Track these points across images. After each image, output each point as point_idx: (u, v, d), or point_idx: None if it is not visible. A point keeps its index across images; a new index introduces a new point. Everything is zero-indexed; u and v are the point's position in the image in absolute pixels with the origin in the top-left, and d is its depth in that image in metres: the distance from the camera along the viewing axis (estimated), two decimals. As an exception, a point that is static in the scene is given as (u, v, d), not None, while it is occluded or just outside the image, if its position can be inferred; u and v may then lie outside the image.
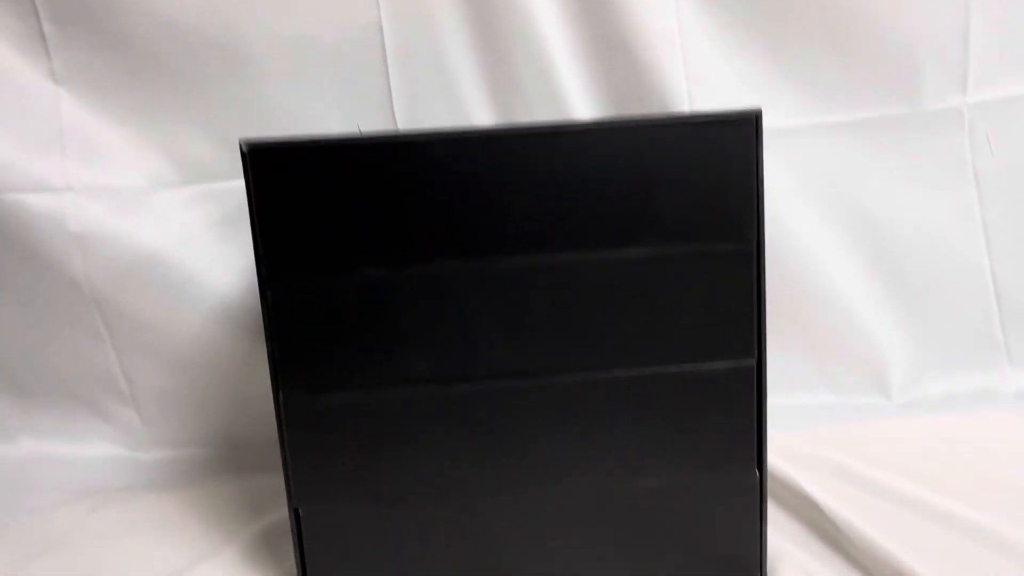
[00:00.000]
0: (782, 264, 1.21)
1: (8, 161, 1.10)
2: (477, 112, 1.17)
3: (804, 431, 1.17)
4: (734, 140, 0.74)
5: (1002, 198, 1.24)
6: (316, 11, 1.13)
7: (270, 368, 0.79)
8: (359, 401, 0.79)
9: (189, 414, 1.25)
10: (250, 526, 1.03)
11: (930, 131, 1.22)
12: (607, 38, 1.15)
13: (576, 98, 1.16)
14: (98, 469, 1.22)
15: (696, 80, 1.17)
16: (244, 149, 0.74)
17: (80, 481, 1.19)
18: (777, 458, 1.03)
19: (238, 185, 1.16)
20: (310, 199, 0.74)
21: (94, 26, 1.11)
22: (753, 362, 0.79)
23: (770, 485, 0.83)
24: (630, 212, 0.75)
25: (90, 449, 1.24)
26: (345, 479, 0.81)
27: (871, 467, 1.04)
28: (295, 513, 0.82)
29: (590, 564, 0.84)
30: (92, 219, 1.13)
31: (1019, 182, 1.24)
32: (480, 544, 0.83)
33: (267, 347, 0.78)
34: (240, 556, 0.97)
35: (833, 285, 1.25)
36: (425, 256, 0.76)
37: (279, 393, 0.79)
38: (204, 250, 1.19)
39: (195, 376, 1.23)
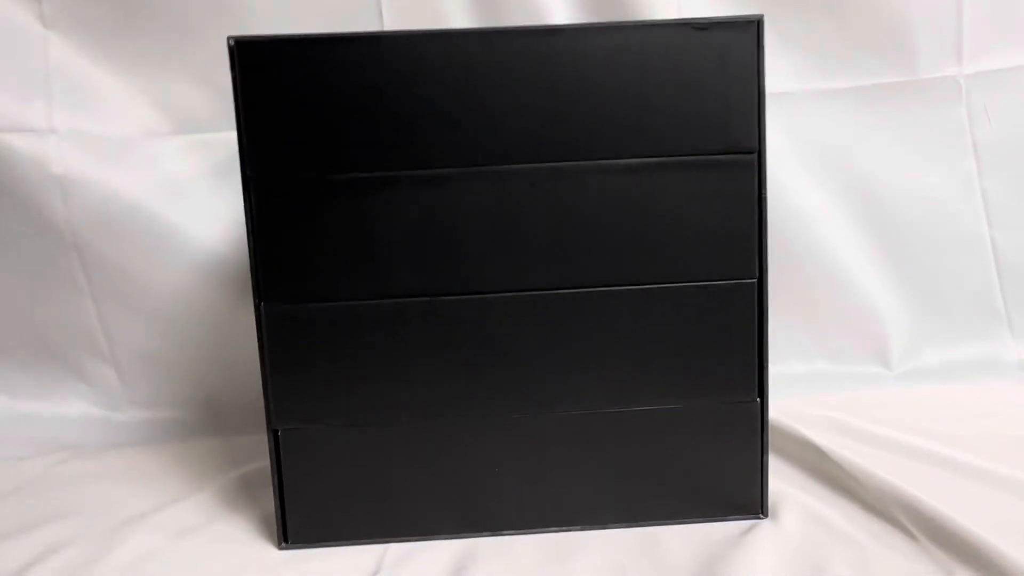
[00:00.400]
0: (780, 230, 1.19)
1: (-11, 99, 1.08)
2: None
3: (803, 397, 1.14)
4: (736, 46, 0.73)
5: (1001, 168, 1.23)
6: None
7: (252, 277, 0.75)
8: (343, 314, 0.76)
9: (169, 373, 1.21)
10: (227, 475, 0.99)
11: (927, 101, 1.21)
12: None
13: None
14: (73, 428, 1.17)
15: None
16: (231, 44, 0.71)
17: (53, 439, 1.14)
18: (776, 414, 0.99)
19: (230, 137, 1.16)
20: (298, 98, 0.72)
21: (86, -30, 1.10)
22: (754, 281, 0.77)
23: (769, 436, 0.80)
24: (628, 119, 0.73)
25: (66, 408, 1.20)
26: (326, 400, 0.77)
27: (872, 424, 1.01)
28: (274, 435, 0.78)
29: (580, 498, 0.80)
30: (76, 163, 1.11)
31: (1017, 152, 1.23)
32: (464, 472, 0.79)
33: (249, 254, 0.75)
34: (214, 499, 0.92)
35: (832, 252, 1.23)
36: (415, 162, 0.73)
37: (260, 304, 0.75)
38: (192, 202, 1.17)
39: (177, 333, 1.19)
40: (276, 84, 0.72)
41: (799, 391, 1.17)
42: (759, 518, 0.80)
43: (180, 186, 1.16)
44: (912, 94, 1.21)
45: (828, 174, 1.23)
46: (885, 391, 1.18)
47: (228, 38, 0.72)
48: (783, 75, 1.20)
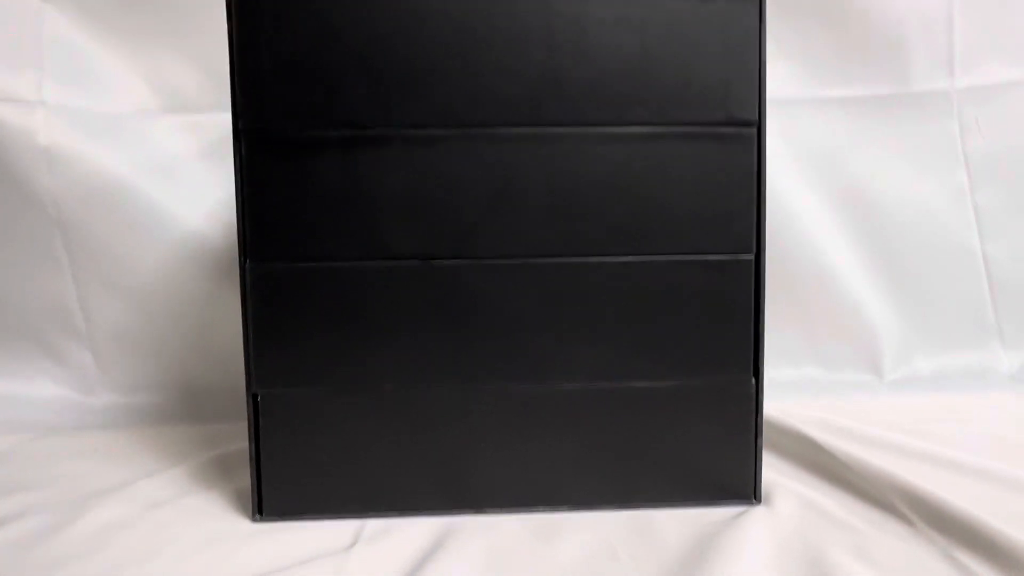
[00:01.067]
0: (775, 236, 1.19)
1: (-22, 68, 1.06)
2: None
3: (795, 402, 1.12)
4: (738, 19, 0.72)
5: (992, 181, 1.24)
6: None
7: (238, 234, 0.73)
8: (331, 274, 0.73)
9: (147, 357, 1.17)
10: (203, 454, 0.95)
11: (920, 113, 1.23)
12: None
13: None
14: (46, 411, 1.13)
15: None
16: (230, -7, 0.70)
17: (23, 421, 1.10)
18: (769, 410, 0.98)
19: (222, 118, 1.15)
20: (294, 51, 0.71)
21: (87, -54, 1.09)
22: (752, 257, 0.76)
23: (763, 430, 0.78)
24: (628, 86, 0.73)
25: (38, 390, 1.16)
26: (309, 364, 0.75)
27: (864, 425, 0.99)
28: (253, 399, 0.75)
29: (570, 477, 0.77)
30: (63, 136, 1.09)
31: (1008, 166, 1.24)
32: (448, 445, 0.76)
33: (236, 210, 0.73)
34: (187, 476, 0.89)
35: (825, 259, 1.23)
36: (411, 121, 0.72)
37: (246, 261, 0.73)
38: (179, 182, 1.15)
39: (157, 315, 1.16)
40: (272, 36, 0.71)
41: (791, 396, 1.15)
42: (752, 504, 0.78)
43: (168, 165, 1.15)
44: (905, 106, 1.22)
45: (822, 181, 1.24)
46: (877, 398, 1.17)
47: (226, -13, 0.71)
48: (779, 81, 1.21)
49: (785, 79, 1.22)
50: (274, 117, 0.72)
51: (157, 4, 1.12)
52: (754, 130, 0.74)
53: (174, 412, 1.15)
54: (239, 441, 0.97)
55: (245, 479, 0.82)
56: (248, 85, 0.71)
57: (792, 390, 1.18)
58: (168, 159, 1.15)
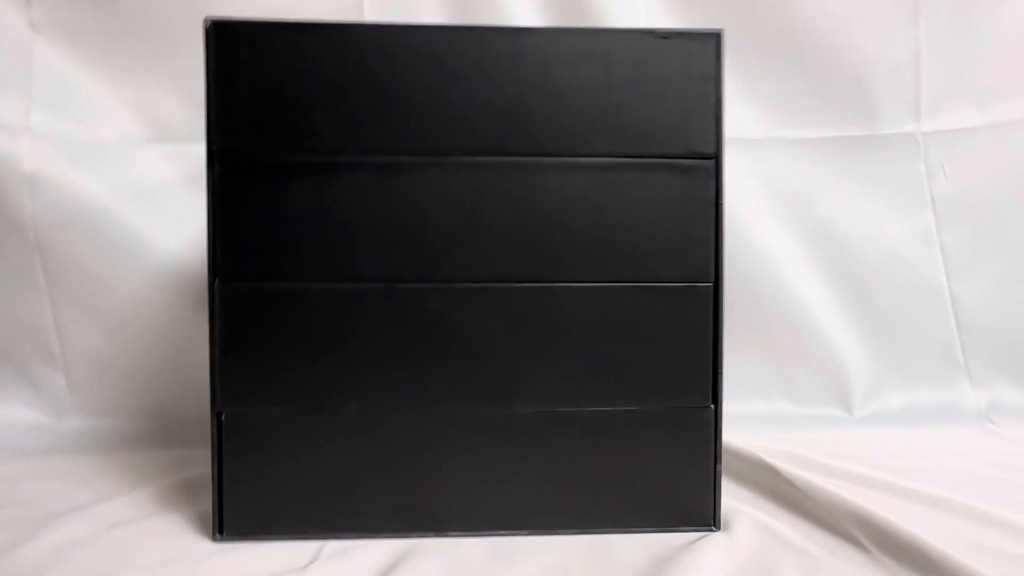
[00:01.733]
0: (746, 272, 1.22)
1: (-34, 94, 1.09)
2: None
3: (765, 434, 1.13)
4: (696, 56, 0.75)
5: (958, 222, 1.27)
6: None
7: (208, 254, 0.75)
8: (298, 295, 0.75)
9: (120, 382, 1.18)
10: (168, 478, 0.95)
11: (888, 155, 1.26)
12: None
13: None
14: (15, 434, 1.13)
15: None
16: (208, 24, 0.73)
17: (-8, 443, 1.10)
18: (733, 439, 0.99)
19: (204, 147, 1.17)
20: (268, 79, 0.73)
21: (78, -22, 1.13)
22: (710, 285, 0.77)
23: (724, 459, 0.79)
24: (590, 119, 0.75)
25: (8, 413, 1.16)
26: (274, 384, 0.76)
27: (830, 458, 1.00)
28: (218, 418, 0.76)
29: (530, 501, 0.78)
30: (47, 163, 1.11)
31: (974, 208, 1.27)
32: (410, 468, 0.77)
33: (208, 231, 0.75)
34: (150, 498, 0.89)
35: (795, 296, 1.25)
36: (380, 148, 0.74)
37: (215, 281, 0.75)
38: (160, 210, 1.17)
39: (132, 341, 1.17)
40: (248, 65, 0.73)
41: (762, 430, 1.16)
42: (711, 530, 0.78)
43: (150, 193, 1.17)
44: (873, 148, 1.26)
45: (793, 219, 1.26)
46: (846, 432, 1.17)
47: (205, 19, 0.74)
48: (749, 122, 1.25)
49: (756, 120, 1.25)
50: (247, 141, 0.74)
51: (144, 35, 1.16)
52: (713, 163, 0.76)
53: (146, 437, 1.15)
54: (207, 465, 0.97)
55: (209, 502, 0.82)
56: (223, 110, 0.73)
57: (762, 423, 1.19)
58: (150, 186, 1.17)
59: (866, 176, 1.27)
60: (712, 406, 0.78)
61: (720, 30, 0.76)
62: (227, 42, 0.73)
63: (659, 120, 0.76)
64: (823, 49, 1.23)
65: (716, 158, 0.76)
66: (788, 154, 1.26)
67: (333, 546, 0.75)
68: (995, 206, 1.27)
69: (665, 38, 0.75)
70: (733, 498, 0.86)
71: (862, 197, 1.27)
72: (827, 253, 1.27)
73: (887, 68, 1.24)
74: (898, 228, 1.27)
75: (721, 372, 0.78)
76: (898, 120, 1.25)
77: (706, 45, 0.76)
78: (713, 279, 0.77)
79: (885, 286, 1.27)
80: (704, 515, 0.79)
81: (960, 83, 1.25)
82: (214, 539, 0.76)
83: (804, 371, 1.26)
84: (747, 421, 1.18)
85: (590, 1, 1.18)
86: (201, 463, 1.00)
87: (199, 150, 1.16)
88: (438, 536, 0.77)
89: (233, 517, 0.76)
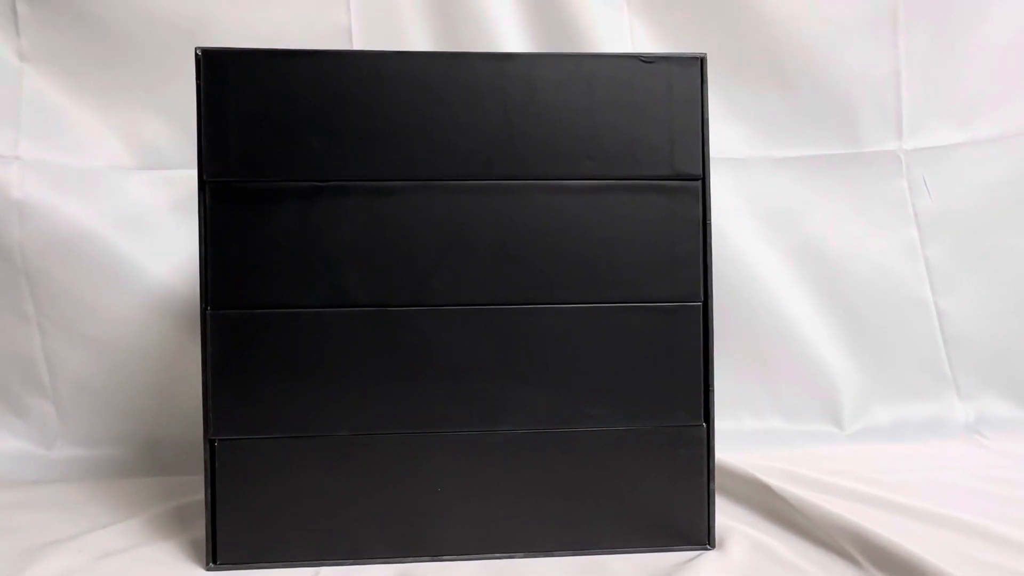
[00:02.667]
0: (734, 289, 1.23)
1: (-45, 123, 1.09)
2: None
3: (756, 452, 1.14)
4: (681, 79, 0.77)
5: (942, 238, 1.29)
6: (289, 11, 1.18)
7: (200, 282, 0.75)
8: (290, 321, 0.75)
9: (110, 410, 1.17)
10: (160, 506, 0.95)
11: (871, 172, 1.28)
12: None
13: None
14: (5, 464, 1.12)
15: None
16: (198, 53, 0.74)
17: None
18: (724, 456, 0.99)
19: (192, 174, 1.17)
20: (258, 107, 0.74)
21: (66, 8, 1.14)
22: (699, 304, 0.78)
23: (718, 477, 0.80)
24: (576, 142, 0.76)
25: (-2, 443, 1.15)
26: (266, 410, 0.75)
27: (822, 474, 1.00)
28: (210, 445, 0.75)
29: (524, 523, 0.78)
30: (36, 190, 1.11)
31: (956, 224, 1.29)
32: (404, 492, 0.77)
33: (200, 259, 0.75)
34: (142, 527, 0.88)
35: (783, 313, 1.26)
36: (368, 173, 0.75)
37: (207, 309, 0.75)
38: (149, 236, 1.17)
39: (120, 367, 1.16)
40: (238, 93, 0.74)
41: (753, 447, 1.17)
42: (706, 548, 0.78)
43: (139, 220, 1.17)
44: (856, 165, 1.28)
45: (779, 237, 1.28)
46: (837, 448, 1.18)
47: (196, 48, 0.74)
48: (735, 142, 1.26)
49: (741, 140, 1.27)
50: (237, 168, 0.74)
51: (132, 63, 1.16)
52: (699, 184, 0.77)
53: (136, 465, 1.14)
54: (198, 493, 0.96)
55: (202, 530, 0.82)
56: (213, 138, 0.74)
57: (754, 441, 1.20)
58: (139, 213, 1.17)
59: (850, 193, 1.28)
60: (704, 424, 0.79)
61: (703, 54, 0.77)
62: (217, 70, 0.74)
63: (645, 142, 0.77)
64: (805, 69, 1.25)
65: (703, 179, 0.78)
66: (773, 172, 1.27)
67: (328, 572, 0.75)
68: (977, 221, 1.29)
69: (650, 62, 0.76)
70: (726, 516, 0.87)
71: (846, 214, 1.28)
72: (813, 270, 1.28)
73: (868, 87, 1.26)
74: (883, 244, 1.28)
75: (712, 390, 0.78)
76: (880, 138, 1.27)
77: (690, 69, 0.77)
78: (702, 298, 0.78)
79: (872, 302, 1.28)
80: (698, 534, 0.79)
81: (940, 101, 1.28)
82: (208, 567, 0.76)
83: (794, 388, 1.26)
84: (738, 438, 1.19)
85: (574, 22, 1.19)
86: (192, 490, 1.00)
87: (187, 177, 1.18)
88: (433, 560, 0.77)
89: (227, 545, 0.76)
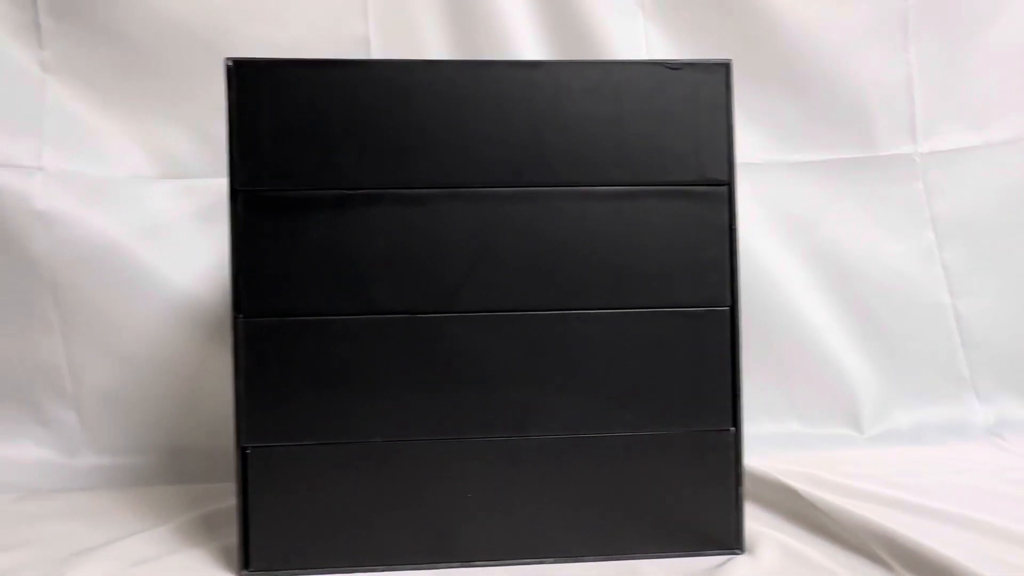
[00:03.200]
0: (752, 294, 1.23)
1: (-21, 135, 1.10)
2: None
3: (777, 456, 1.14)
4: (706, 85, 0.77)
5: (958, 240, 1.29)
6: (307, 22, 1.19)
7: (232, 290, 0.75)
8: (321, 329, 0.76)
9: (133, 419, 1.17)
10: (187, 513, 0.95)
11: (886, 176, 1.28)
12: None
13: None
14: (27, 473, 1.12)
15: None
16: (229, 64, 0.75)
17: (5, 482, 1.09)
18: (747, 461, 0.99)
19: (215, 183, 1.19)
20: (289, 116, 0.75)
21: (89, 20, 1.15)
22: (727, 309, 0.79)
23: (744, 482, 0.80)
24: (604, 149, 0.77)
25: (22, 452, 1.15)
26: (298, 418, 0.76)
27: (844, 478, 1.00)
28: (242, 453, 0.76)
29: (554, 528, 0.78)
30: (60, 200, 1.12)
31: (972, 226, 1.29)
32: (435, 498, 0.77)
33: (231, 268, 0.75)
34: (172, 534, 0.88)
35: (802, 316, 1.26)
36: (398, 181, 0.76)
37: (238, 317, 0.75)
38: (172, 245, 1.18)
39: (143, 376, 1.17)
40: (269, 103, 0.75)
41: (773, 451, 1.17)
42: (736, 553, 0.79)
43: (162, 229, 1.18)
44: (872, 169, 1.28)
45: (796, 241, 1.28)
46: (857, 452, 1.18)
47: (226, 59, 0.75)
48: (750, 147, 1.27)
49: (757, 145, 1.27)
50: (268, 178, 0.75)
51: (154, 73, 1.17)
52: (725, 189, 0.78)
53: (159, 473, 1.15)
54: (224, 500, 0.97)
55: (231, 537, 0.83)
56: (245, 148, 0.75)
57: (773, 445, 1.20)
58: (161, 222, 1.17)
59: (866, 197, 1.29)
60: (732, 429, 0.79)
61: (728, 60, 0.78)
62: (248, 80, 0.75)
63: (671, 148, 0.77)
64: (819, 75, 1.25)
65: (729, 184, 0.78)
66: (789, 177, 1.28)
67: (359, 579, 0.75)
68: (993, 223, 1.29)
69: (676, 69, 0.77)
70: (754, 520, 0.87)
71: (862, 218, 1.29)
72: (830, 273, 1.28)
73: (882, 92, 1.27)
74: (899, 247, 1.29)
75: (740, 395, 0.79)
76: (895, 142, 1.28)
77: (715, 75, 0.78)
78: (729, 303, 0.79)
79: (889, 305, 1.28)
80: (727, 538, 0.79)
81: (953, 105, 1.28)
82: (240, 574, 0.76)
83: (812, 391, 1.27)
84: (758, 443, 1.19)
85: (589, 29, 1.20)
86: (217, 498, 1.00)
87: (208, 186, 1.19)
88: (463, 566, 0.77)
89: (259, 551, 0.76)
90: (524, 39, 1.19)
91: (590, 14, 1.20)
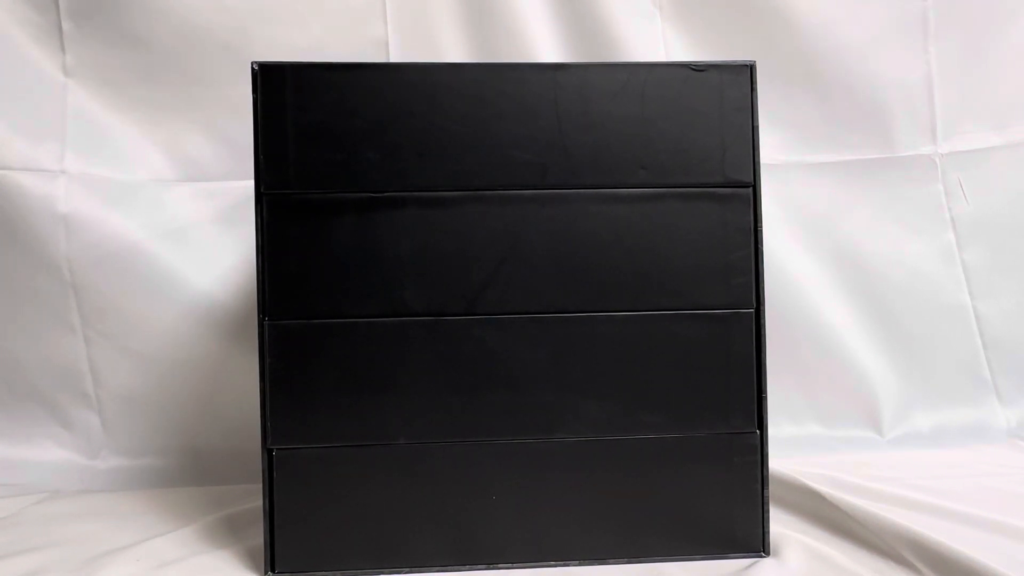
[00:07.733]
0: (771, 295, 1.22)
1: (4, 138, 1.10)
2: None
3: (799, 458, 1.13)
4: (731, 87, 0.77)
5: (979, 241, 1.28)
6: (326, 25, 1.19)
7: (258, 293, 0.76)
8: (346, 331, 0.76)
9: (155, 420, 1.18)
10: (210, 515, 0.95)
11: (906, 176, 1.28)
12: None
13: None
14: (50, 475, 1.13)
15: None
16: (255, 68, 0.75)
17: (29, 484, 1.10)
18: (774, 466, 0.99)
19: (235, 186, 1.20)
20: (314, 120, 0.75)
21: (110, 24, 1.16)
22: (752, 311, 0.78)
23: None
24: (630, 151, 0.77)
25: (42, 454, 1.16)
26: (324, 420, 0.76)
27: (867, 480, 1.00)
28: (268, 455, 0.76)
29: (579, 531, 0.78)
30: (82, 203, 1.13)
31: (993, 227, 1.29)
32: (460, 500, 0.77)
33: (257, 270, 0.76)
34: (197, 535, 0.89)
35: (822, 318, 1.26)
36: (424, 183, 0.76)
37: (264, 319, 0.76)
38: (193, 248, 1.18)
39: (164, 378, 1.18)
40: (294, 106, 0.75)
41: (794, 453, 1.16)
42: (761, 556, 0.78)
43: (183, 231, 1.18)
44: (892, 170, 1.27)
45: (816, 242, 1.27)
46: (878, 454, 1.17)
47: (252, 62, 0.75)
48: (770, 148, 1.26)
49: (777, 146, 1.27)
50: (294, 181, 0.75)
51: (175, 78, 1.18)
52: (750, 190, 0.78)
53: (180, 475, 1.15)
54: (247, 501, 0.97)
55: (256, 538, 0.83)
56: (270, 151, 0.75)
57: (795, 447, 1.19)
58: (182, 225, 1.18)
59: (886, 198, 1.28)
60: (758, 431, 0.79)
61: (752, 62, 0.78)
62: (274, 84, 0.75)
63: (697, 150, 0.77)
64: (839, 75, 1.25)
65: (753, 186, 0.78)
66: (808, 178, 1.27)
67: (385, 580, 0.75)
68: (1014, 224, 1.28)
69: (700, 70, 0.77)
70: (779, 523, 0.86)
71: (883, 218, 1.28)
72: (851, 275, 1.27)
73: (902, 92, 1.26)
74: (920, 248, 1.28)
75: (765, 397, 0.78)
76: (915, 142, 1.27)
77: (740, 76, 0.77)
78: (754, 305, 0.78)
79: (910, 306, 1.28)
80: (753, 541, 0.79)
81: (974, 105, 1.27)
82: (266, 575, 0.76)
83: (833, 393, 1.26)
84: (779, 445, 1.19)
85: (607, 31, 1.20)
86: (239, 499, 1.00)
87: (228, 188, 1.20)
88: (488, 568, 0.77)
89: (285, 553, 0.76)
90: (542, 41, 1.19)
91: (608, 16, 1.20)
